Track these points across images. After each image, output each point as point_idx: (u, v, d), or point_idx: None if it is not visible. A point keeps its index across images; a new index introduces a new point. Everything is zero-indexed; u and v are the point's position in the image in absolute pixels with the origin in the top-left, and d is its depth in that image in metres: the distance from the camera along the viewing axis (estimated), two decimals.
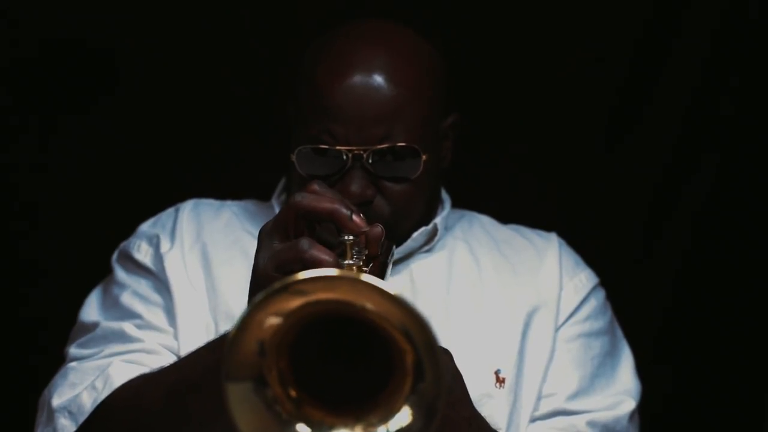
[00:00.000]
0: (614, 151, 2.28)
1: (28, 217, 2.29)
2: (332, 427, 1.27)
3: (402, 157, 1.70)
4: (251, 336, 1.23)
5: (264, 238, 1.40)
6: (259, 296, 1.21)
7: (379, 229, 1.40)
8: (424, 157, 1.71)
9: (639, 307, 2.05)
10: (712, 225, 2.27)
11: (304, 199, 1.39)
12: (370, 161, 1.68)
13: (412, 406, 1.24)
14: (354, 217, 1.38)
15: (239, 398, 1.24)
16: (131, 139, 2.29)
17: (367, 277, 1.21)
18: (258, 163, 2.13)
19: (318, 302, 1.22)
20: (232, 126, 2.29)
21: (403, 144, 1.70)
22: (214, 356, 1.42)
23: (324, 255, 1.33)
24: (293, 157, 1.72)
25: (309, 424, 1.27)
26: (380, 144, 1.69)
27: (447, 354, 1.44)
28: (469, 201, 1.92)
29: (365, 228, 1.38)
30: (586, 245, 1.89)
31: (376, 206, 1.70)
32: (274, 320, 1.23)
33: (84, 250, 2.18)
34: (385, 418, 1.26)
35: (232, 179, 2.18)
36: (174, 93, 2.27)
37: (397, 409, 1.25)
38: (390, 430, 1.25)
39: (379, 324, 1.23)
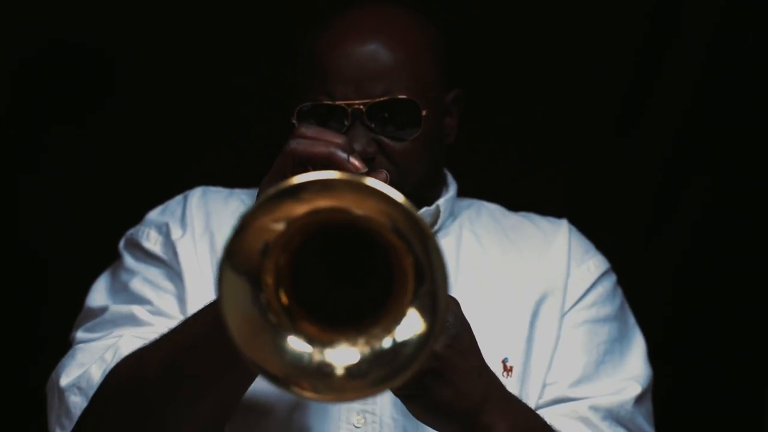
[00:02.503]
0: (616, 147, 2.29)
1: (29, 211, 2.30)
2: (333, 341, 1.26)
3: (401, 112, 1.69)
4: (259, 235, 1.22)
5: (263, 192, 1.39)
6: (272, 189, 1.21)
7: (383, 174, 1.41)
8: (424, 112, 1.70)
9: (639, 304, 2.05)
10: (713, 222, 2.28)
11: (299, 145, 1.39)
12: (370, 117, 1.67)
13: (417, 309, 1.24)
14: (351, 159, 1.38)
15: (232, 289, 1.23)
16: (132, 137, 2.30)
17: (347, 175, 1.21)
18: (260, 164, 2.14)
19: (319, 211, 1.22)
20: (233, 122, 2.31)
21: (403, 96, 1.68)
22: (214, 317, 1.39)
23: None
24: (293, 119, 1.70)
25: (306, 339, 1.26)
26: (379, 98, 1.68)
27: (454, 301, 1.43)
28: (474, 193, 1.92)
29: (364, 169, 1.38)
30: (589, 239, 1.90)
31: (378, 164, 1.68)
32: (278, 226, 1.22)
33: (86, 244, 2.18)
34: (389, 328, 1.25)
35: (234, 176, 2.19)
36: (175, 89, 2.29)
37: (401, 316, 1.25)
38: (396, 339, 1.25)
39: (376, 230, 1.22)
